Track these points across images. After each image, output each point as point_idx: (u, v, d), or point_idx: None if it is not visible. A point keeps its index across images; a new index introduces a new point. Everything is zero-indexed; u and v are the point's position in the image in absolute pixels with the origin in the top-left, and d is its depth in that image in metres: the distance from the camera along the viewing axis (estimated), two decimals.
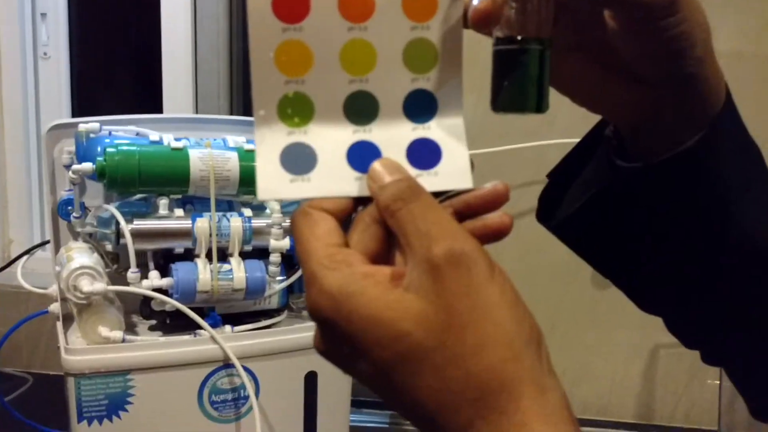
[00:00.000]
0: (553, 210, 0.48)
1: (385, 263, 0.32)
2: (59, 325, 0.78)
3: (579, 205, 0.45)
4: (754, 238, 0.40)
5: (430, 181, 0.33)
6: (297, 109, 0.32)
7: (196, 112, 1.16)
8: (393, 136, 0.33)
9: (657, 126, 0.40)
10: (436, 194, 0.33)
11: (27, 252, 0.91)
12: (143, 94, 1.34)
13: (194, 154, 0.75)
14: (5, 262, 1.19)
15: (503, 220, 0.33)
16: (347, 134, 0.33)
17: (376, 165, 0.32)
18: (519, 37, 0.34)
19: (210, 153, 0.76)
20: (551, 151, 1.08)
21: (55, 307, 0.80)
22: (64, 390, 0.75)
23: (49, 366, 1.23)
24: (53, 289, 0.80)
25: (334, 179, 0.32)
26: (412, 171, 0.33)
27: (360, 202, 0.33)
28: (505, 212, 0.34)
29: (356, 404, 1.00)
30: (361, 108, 0.33)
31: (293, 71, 0.32)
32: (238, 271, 0.76)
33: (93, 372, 0.71)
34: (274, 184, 0.31)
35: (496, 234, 0.33)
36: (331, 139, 0.32)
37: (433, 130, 0.34)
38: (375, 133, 0.33)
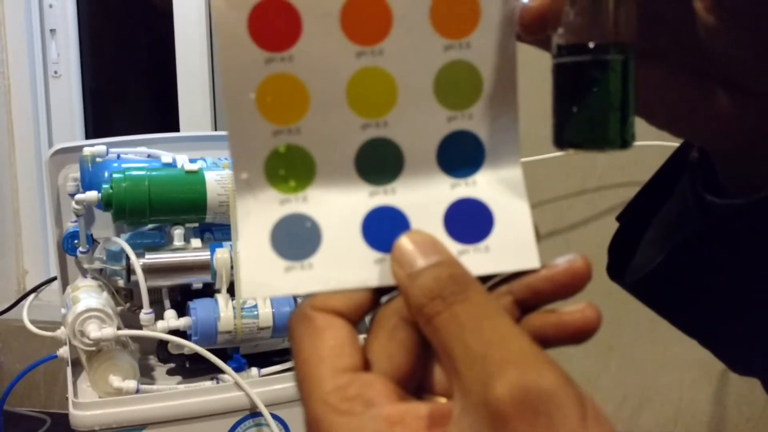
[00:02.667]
0: (626, 261, 0.39)
1: (421, 382, 0.22)
2: (68, 372, 0.70)
3: (662, 258, 0.36)
4: None
5: (479, 260, 0.23)
6: (292, 169, 0.23)
7: (215, 129, 1.08)
8: (425, 198, 0.24)
9: (764, 150, 0.31)
10: (486, 278, 0.23)
11: (34, 290, 0.83)
12: (159, 112, 1.27)
13: (211, 177, 0.66)
14: (20, 294, 1.13)
15: (587, 315, 0.23)
16: (362, 198, 0.23)
17: (404, 242, 0.22)
18: (591, 45, 0.25)
19: (229, 175, 0.67)
20: (601, 158, 0.98)
21: (64, 352, 0.72)
22: None
23: (64, 405, 1.16)
24: (61, 332, 0.72)
25: (346, 264, 0.23)
26: (454, 247, 0.23)
27: (382, 291, 0.23)
28: (589, 303, 0.23)
29: None
30: (379, 161, 0.24)
31: (284, 117, 0.22)
32: (263, 306, 0.67)
33: (104, 428, 0.63)
34: (263, 275, 0.22)
35: (579, 335, 0.23)
36: (340, 206, 0.23)
37: (480, 186, 0.24)
38: (400, 194, 0.24)
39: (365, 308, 0.23)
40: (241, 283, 0.20)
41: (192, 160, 0.70)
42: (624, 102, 0.25)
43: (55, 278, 0.76)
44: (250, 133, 0.22)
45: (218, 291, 0.67)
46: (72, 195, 0.72)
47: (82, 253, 0.69)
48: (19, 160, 1.21)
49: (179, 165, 0.69)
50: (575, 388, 0.20)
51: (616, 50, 0.25)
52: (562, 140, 0.25)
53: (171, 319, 0.65)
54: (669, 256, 0.36)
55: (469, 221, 0.24)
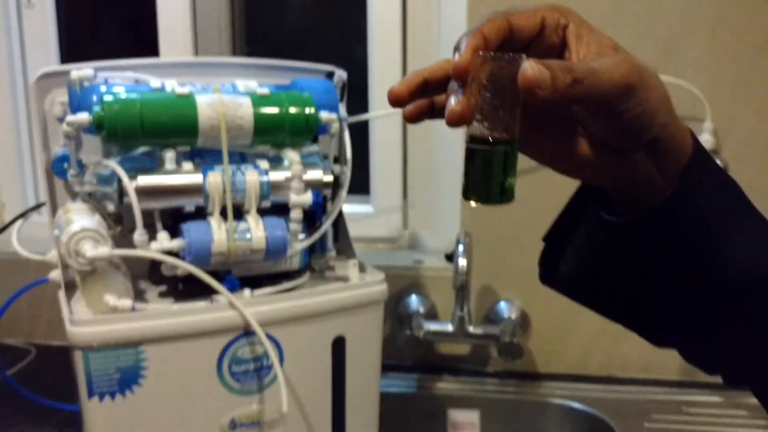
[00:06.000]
0: (553, 269, 0.53)
1: None
2: (62, 294, 0.71)
3: (577, 264, 0.51)
4: (743, 269, 0.44)
5: None
6: None
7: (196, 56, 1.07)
8: None
9: (635, 185, 0.45)
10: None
11: (22, 215, 0.83)
12: (137, 40, 1.24)
13: (202, 101, 0.67)
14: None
15: None
16: None
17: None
18: (490, 139, 0.40)
19: (220, 99, 0.67)
20: None
21: (56, 275, 0.72)
22: (72, 364, 0.68)
23: (53, 336, 1.17)
24: (53, 256, 0.72)
25: None
26: None
27: None
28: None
29: (383, 368, 0.94)
30: None
31: None
32: (256, 229, 0.68)
33: (102, 344, 0.64)
34: None
35: None
36: None
37: None
38: None
39: None
40: None
41: (181, 86, 0.70)
42: (504, 176, 0.40)
43: (42, 204, 0.76)
44: None
45: (210, 214, 0.68)
46: (60, 119, 0.71)
47: (72, 176, 0.69)
48: None
49: (169, 89, 0.68)
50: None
51: (504, 144, 0.40)
52: (466, 196, 0.41)
53: (164, 240, 0.66)
54: (582, 263, 0.51)
55: None
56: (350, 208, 1.10)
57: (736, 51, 0.96)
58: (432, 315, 1.07)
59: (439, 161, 1.12)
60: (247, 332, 0.68)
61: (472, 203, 0.41)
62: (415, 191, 1.15)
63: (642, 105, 0.40)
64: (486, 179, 0.40)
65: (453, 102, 0.39)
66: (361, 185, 1.17)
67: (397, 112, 1.10)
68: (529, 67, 0.37)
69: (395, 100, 0.42)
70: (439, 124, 1.17)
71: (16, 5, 1.18)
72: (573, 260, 0.52)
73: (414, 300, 1.08)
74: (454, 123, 0.39)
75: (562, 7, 0.43)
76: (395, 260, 1.11)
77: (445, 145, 1.11)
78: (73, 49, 1.21)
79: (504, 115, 0.39)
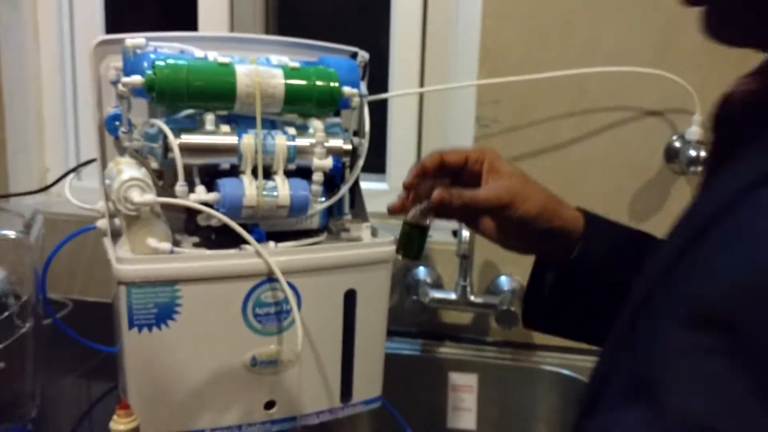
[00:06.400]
0: (533, 318, 0.80)
1: None
2: (107, 240, 0.79)
3: (548, 309, 0.77)
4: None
5: None
6: None
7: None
8: None
9: (556, 251, 0.72)
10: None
11: (73, 170, 0.92)
12: (174, 17, 1.34)
13: (240, 70, 0.75)
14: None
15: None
16: None
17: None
18: (416, 224, 0.74)
19: (256, 69, 0.76)
20: (592, 78, 1.07)
21: (102, 223, 0.81)
22: (114, 300, 0.77)
23: (87, 293, 1.26)
24: (101, 205, 0.81)
25: None
26: None
27: None
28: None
29: (391, 333, 1.03)
30: None
31: None
32: (282, 188, 0.77)
33: (143, 281, 0.73)
34: None
35: None
36: None
37: None
38: None
39: None
40: None
41: (221, 57, 0.78)
42: (421, 246, 0.76)
43: (93, 160, 0.85)
44: None
45: (243, 172, 0.77)
46: (113, 83, 0.80)
47: (123, 133, 0.78)
48: (44, 62, 1.28)
49: (211, 59, 0.77)
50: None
51: (421, 228, 0.74)
52: (397, 250, 0.78)
53: (202, 192, 0.75)
54: (552, 305, 0.76)
55: None
56: (368, 185, 1.18)
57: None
58: (438, 285, 1.16)
59: (450, 144, 1.20)
60: (271, 279, 0.77)
61: (399, 257, 0.78)
62: None
63: (518, 213, 0.68)
64: (409, 245, 0.75)
65: (396, 200, 0.77)
66: (378, 165, 1.26)
67: (413, 93, 1.18)
68: (437, 193, 0.71)
69: (407, 185, 0.76)
70: (452, 112, 1.24)
71: None
72: (544, 308, 0.76)
73: (421, 271, 1.16)
74: (392, 212, 0.77)
75: (484, 148, 0.73)
76: None
77: (455, 130, 1.19)
78: (116, 23, 1.31)
79: (425, 213, 0.73)
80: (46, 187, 1.08)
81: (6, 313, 0.86)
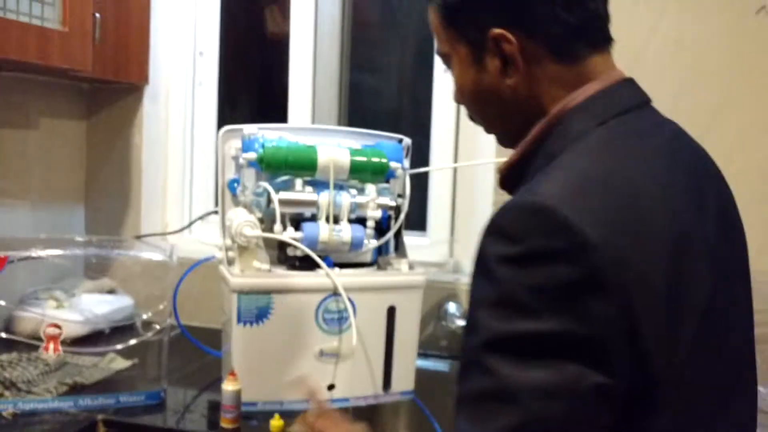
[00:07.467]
0: None
1: None
2: (224, 265, 1.14)
3: None
4: None
5: None
6: None
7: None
8: None
9: None
10: None
11: (200, 218, 1.29)
12: (271, 108, 1.75)
13: (321, 150, 1.11)
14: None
15: None
16: None
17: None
18: None
19: (331, 149, 1.12)
20: None
21: (221, 254, 1.17)
22: (227, 305, 1.11)
23: (194, 319, 1.60)
24: (219, 243, 1.17)
25: None
26: None
27: None
28: None
29: (427, 355, 1.34)
30: None
31: None
32: (346, 231, 1.11)
33: (248, 290, 1.07)
34: None
35: None
36: None
37: None
38: None
39: None
40: None
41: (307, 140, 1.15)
42: None
43: (215, 211, 1.22)
44: None
45: (319, 219, 1.11)
46: (234, 158, 1.18)
47: (240, 191, 1.15)
48: (171, 145, 1.70)
49: (301, 143, 1.14)
50: None
51: None
52: None
53: (291, 232, 1.10)
54: None
55: None
56: (411, 240, 1.51)
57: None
58: (464, 317, 1.45)
59: (478, 207, 1.53)
60: (335, 293, 1.10)
61: None
62: (460, 229, 1.56)
63: None
64: None
65: None
66: (420, 223, 1.59)
67: (438, 169, 1.52)
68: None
69: None
70: (481, 182, 1.57)
71: (192, 84, 1.70)
72: None
73: (452, 306, 1.47)
74: None
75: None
76: (441, 277, 1.51)
77: (482, 197, 1.52)
78: (225, 116, 1.73)
79: None
80: (181, 229, 1.48)
81: (144, 316, 1.22)
